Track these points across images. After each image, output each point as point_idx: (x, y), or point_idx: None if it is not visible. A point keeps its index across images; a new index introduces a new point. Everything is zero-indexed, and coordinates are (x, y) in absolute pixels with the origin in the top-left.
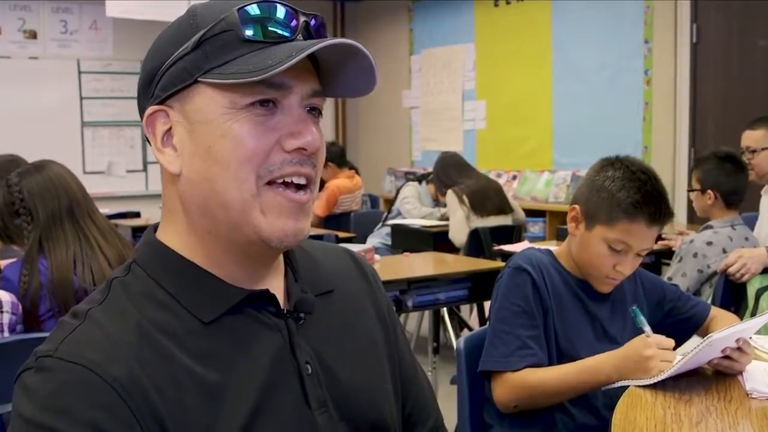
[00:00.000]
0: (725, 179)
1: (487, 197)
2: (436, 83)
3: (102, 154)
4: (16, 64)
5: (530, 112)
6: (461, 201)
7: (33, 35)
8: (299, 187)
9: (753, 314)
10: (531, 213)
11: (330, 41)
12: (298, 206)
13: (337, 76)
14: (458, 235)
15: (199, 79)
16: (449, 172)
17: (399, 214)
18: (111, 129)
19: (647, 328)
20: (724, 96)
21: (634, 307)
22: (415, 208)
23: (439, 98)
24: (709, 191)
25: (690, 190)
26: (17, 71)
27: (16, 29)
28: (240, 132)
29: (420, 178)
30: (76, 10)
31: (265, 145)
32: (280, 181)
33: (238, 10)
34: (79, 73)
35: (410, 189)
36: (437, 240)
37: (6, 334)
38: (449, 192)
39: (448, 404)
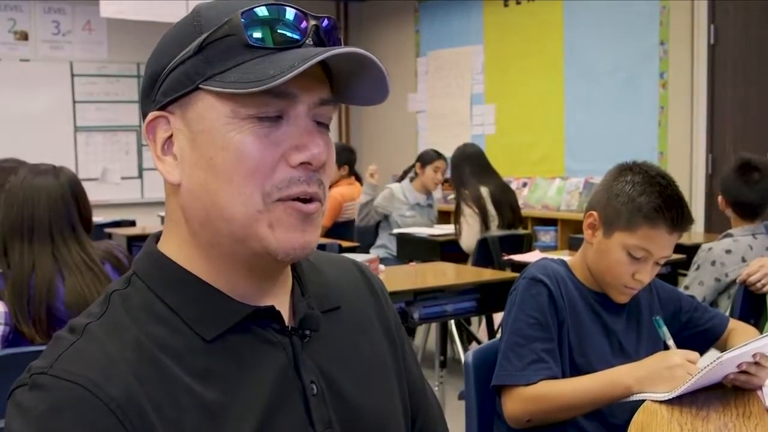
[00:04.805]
0: (738, 190)
1: (499, 212)
2: (444, 86)
3: (96, 160)
4: (6, 67)
5: (541, 116)
6: (474, 212)
7: (24, 36)
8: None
9: None
10: (542, 221)
11: (336, 51)
12: (306, 217)
13: (349, 82)
14: (471, 242)
15: (200, 85)
16: (464, 169)
17: (388, 223)
18: (105, 134)
19: (671, 342)
20: (742, 99)
21: (657, 317)
22: (401, 216)
23: (447, 102)
24: (723, 201)
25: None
26: (7, 74)
27: (6, 30)
28: (242, 144)
29: (402, 177)
30: (69, 11)
31: (270, 159)
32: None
33: (244, 12)
34: (72, 75)
35: (372, 201)
36: (444, 249)
37: None
38: (463, 204)
39: (456, 420)
